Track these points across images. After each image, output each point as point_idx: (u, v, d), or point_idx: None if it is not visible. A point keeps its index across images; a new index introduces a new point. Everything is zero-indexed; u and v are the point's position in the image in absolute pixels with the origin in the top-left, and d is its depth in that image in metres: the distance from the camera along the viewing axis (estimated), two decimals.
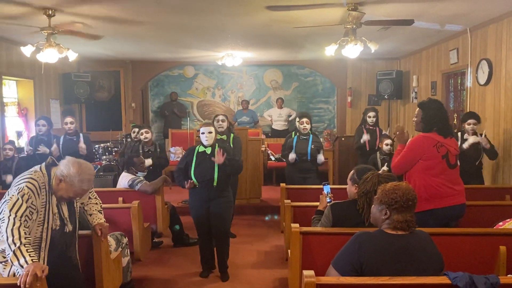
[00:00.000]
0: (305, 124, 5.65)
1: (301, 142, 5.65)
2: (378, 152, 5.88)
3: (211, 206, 4.26)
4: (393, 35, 6.87)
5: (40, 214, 2.71)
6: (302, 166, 5.67)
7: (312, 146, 5.60)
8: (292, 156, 5.62)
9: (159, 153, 5.80)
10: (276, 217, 6.70)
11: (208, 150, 4.26)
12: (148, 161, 5.56)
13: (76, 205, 3.02)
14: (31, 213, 2.63)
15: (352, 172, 3.12)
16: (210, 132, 4.24)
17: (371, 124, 6.49)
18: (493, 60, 5.77)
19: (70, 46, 5.47)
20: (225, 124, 5.34)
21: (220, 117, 5.36)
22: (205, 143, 4.26)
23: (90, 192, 3.21)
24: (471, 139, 5.04)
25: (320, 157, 5.64)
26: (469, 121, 5.15)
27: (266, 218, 6.77)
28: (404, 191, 2.24)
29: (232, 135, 5.42)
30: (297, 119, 5.84)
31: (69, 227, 2.90)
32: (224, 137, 5.29)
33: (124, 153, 6.08)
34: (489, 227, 3.29)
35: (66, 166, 2.77)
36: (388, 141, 5.75)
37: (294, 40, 7.24)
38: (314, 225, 3.22)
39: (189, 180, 4.24)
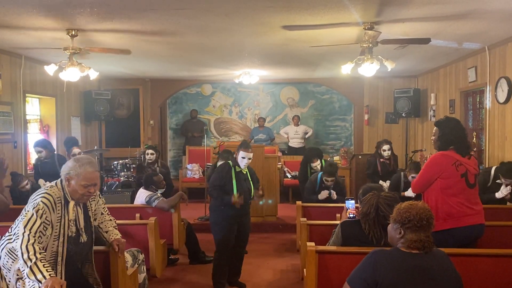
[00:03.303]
0: (330, 182, 5.41)
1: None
2: (402, 173, 5.58)
3: (240, 222, 4.49)
4: (410, 54, 6.87)
5: (56, 229, 2.76)
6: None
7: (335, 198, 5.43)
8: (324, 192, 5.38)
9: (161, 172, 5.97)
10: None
11: (244, 171, 4.48)
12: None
13: (92, 219, 3.06)
14: (45, 228, 2.67)
15: (360, 191, 3.16)
16: (250, 159, 4.40)
17: (386, 157, 6.38)
18: None
19: (91, 65, 5.61)
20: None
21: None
22: (242, 166, 4.40)
23: (103, 208, 3.26)
24: (505, 191, 4.65)
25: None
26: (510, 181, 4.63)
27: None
28: (418, 210, 2.23)
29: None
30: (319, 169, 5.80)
31: (83, 237, 2.94)
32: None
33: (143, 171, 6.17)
34: (510, 248, 3.22)
35: (64, 167, 2.91)
36: (415, 174, 5.40)
37: (311, 58, 7.29)
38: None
39: (236, 195, 4.29)
